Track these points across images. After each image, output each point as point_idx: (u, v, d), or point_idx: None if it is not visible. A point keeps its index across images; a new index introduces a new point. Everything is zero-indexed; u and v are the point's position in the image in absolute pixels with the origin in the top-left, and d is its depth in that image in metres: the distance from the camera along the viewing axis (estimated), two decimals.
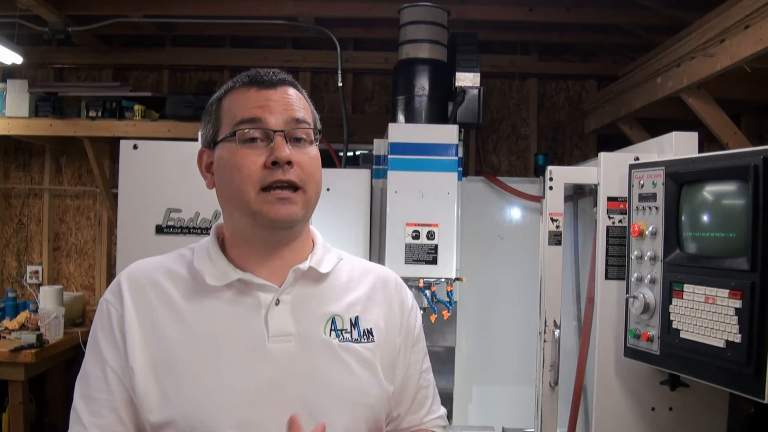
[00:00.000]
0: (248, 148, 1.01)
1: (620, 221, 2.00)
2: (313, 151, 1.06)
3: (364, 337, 1.09)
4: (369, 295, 1.13)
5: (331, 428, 0.97)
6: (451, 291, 2.28)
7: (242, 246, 1.07)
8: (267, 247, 1.06)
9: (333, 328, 1.07)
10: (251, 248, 1.06)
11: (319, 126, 1.10)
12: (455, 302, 2.32)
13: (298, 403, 0.99)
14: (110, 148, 3.84)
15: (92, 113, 3.51)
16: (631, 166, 1.90)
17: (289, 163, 1.00)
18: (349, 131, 2.76)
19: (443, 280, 2.26)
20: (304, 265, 1.07)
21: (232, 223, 1.07)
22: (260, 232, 1.04)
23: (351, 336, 1.07)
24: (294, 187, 1.01)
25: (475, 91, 2.41)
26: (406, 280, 2.28)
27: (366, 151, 3.25)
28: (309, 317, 1.06)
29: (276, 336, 1.02)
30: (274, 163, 1.00)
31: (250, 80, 1.05)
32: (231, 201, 1.04)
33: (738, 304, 1.47)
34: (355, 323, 1.09)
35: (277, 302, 1.04)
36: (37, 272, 3.96)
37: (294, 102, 1.05)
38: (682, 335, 1.63)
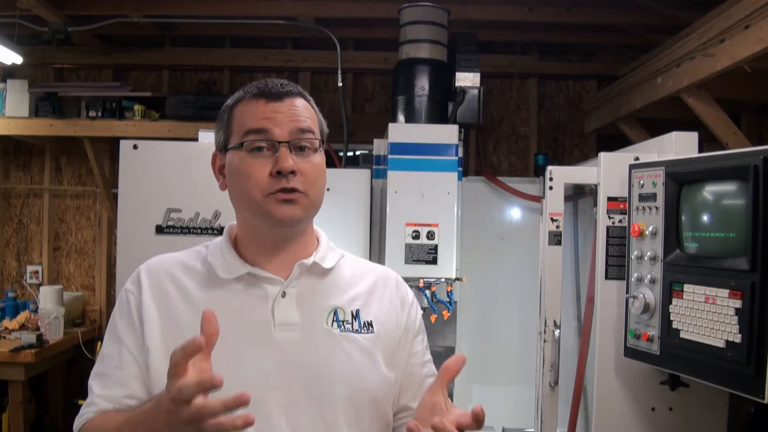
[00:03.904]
0: (255, 157, 1.09)
1: (620, 221, 2.00)
2: (317, 158, 1.14)
3: (364, 328, 1.16)
4: (370, 291, 1.20)
5: (332, 411, 1.07)
6: (451, 291, 2.28)
7: (252, 243, 1.15)
8: (275, 243, 1.14)
9: (335, 319, 1.14)
10: (261, 245, 1.15)
11: (325, 130, 1.18)
12: (455, 302, 2.32)
13: (301, 387, 1.07)
14: (110, 148, 3.83)
15: (92, 113, 3.50)
16: (631, 166, 1.90)
17: (292, 172, 1.08)
18: (349, 131, 2.76)
19: (443, 280, 2.26)
20: (309, 261, 1.15)
21: (244, 221, 1.16)
22: (268, 229, 1.12)
23: (352, 327, 1.14)
24: (297, 191, 1.09)
25: (475, 91, 2.41)
26: (406, 280, 2.28)
27: (366, 151, 3.25)
28: (313, 309, 1.13)
29: (281, 325, 1.10)
30: (279, 173, 1.07)
31: (259, 92, 1.12)
32: (242, 203, 1.13)
33: (738, 304, 1.47)
34: (356, 315, 1.16)
35: (284, 294, 1.12)
36: (37, 272, 3.96)
37: (300, 113, 1.12)
38: (682, 335, 1.63)
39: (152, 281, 1.12)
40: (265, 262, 1.14)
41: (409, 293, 1.28)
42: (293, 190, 1.08)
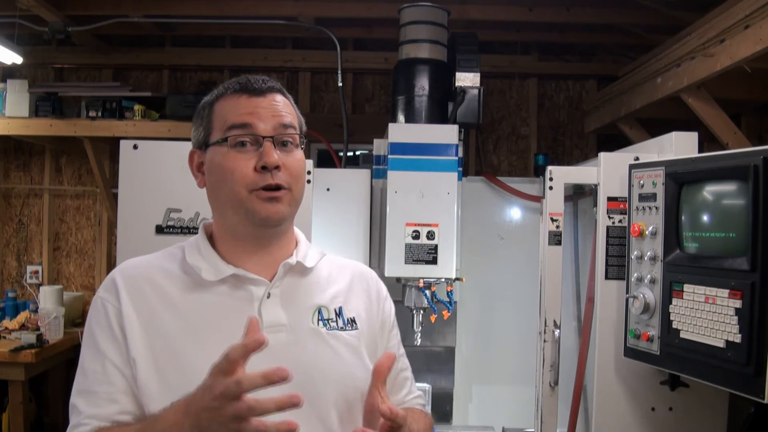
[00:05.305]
0: (239, 152, 1.08)
1: (620, 221, 2.00)
2: (299, 154, 1.13)
3: (349, 325, 1.16)
4: (349, 287, 1.21)
5: (325, 410, 1.07)
6: (451, 291, 2.29)
7: (231, 242, 1.14)
8: (256, 243, 1.13)
9: (320, 317, 1.14)
10: (240, 244, 1.13)
11: (304, 128, 1.18)
12: (455, 302, 2.32)
13: (294, 389, 1.03)
14: (110, 148, 3.84)
15: (92, 113, 3.51)
16: (631, 166, 1.90)
17: (277, 167, 1.07)
18: (349, 131, 2.76)
19: (443, 280, 2.26)
20: (293, 260, 1.15)
21: (224, 220, 1.14)
22: (250, 228, 1.11)
23: (337, 324, 1.15)
24: (281, 188, 1.08)
25: (475, 91, 2.41)
26: (406, 280, 2.29)
27: (366, 151, 3.24)
28: (298, 308, 1.13)
29: (269, 327, 1.08)
30: (264, 168, 1.06)
31: (241, 87, 1.12)
32: (224, 200, 1.11)
33: (738, 304, 1.47)
34: (339, 313, 1.16)
35: (268, 295, 1.11)
36: (37, 272, 3.96)
37: (282, 108, 1.12)
38: (682, 335, 1.63)
39: (130, 288, 1.08)
40: (246, 261, 1.12)
41: (383, 288, 1.29)
42: (278, 188, 1.07)
